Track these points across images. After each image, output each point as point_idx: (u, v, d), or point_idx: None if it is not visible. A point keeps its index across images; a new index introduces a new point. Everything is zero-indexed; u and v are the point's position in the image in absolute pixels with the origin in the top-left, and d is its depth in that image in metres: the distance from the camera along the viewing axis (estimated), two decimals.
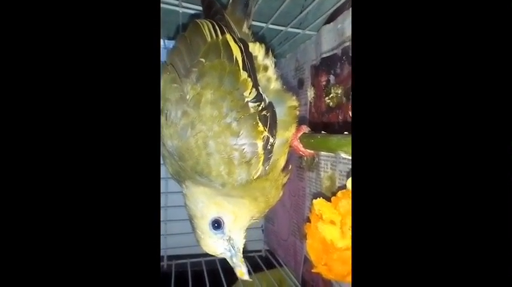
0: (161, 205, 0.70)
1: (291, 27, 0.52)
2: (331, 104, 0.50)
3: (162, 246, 0.70)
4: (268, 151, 0.34)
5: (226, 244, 0.34)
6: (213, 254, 0.34)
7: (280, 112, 0.35)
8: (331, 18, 0.48)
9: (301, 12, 0.48)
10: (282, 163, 0.37)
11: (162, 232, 0.71)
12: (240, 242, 0.34)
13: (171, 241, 0.71)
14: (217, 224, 0.33)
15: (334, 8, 0.46)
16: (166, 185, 0.70)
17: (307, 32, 0.53)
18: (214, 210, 0.33)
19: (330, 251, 0.35)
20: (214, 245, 0.34)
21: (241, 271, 0.34)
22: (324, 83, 0.51)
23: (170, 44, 0.63)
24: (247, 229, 0.36)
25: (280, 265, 0.70)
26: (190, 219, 0.35)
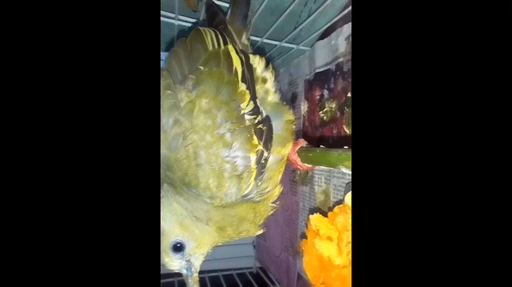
0: None
1: (285, 42, 0.52)
2: (325, 118, 0.50)
3: None
4: (261, 166, 0.33)
5: (184, 264, 0.34)
6: (169, 269, 0.35)
7: (277, 126, 0.35)
8: (324, 35, 0.49)
9: (294, 29, 0.49)
10: (276, 180, 0.36)
11: None
12: (197, 265, 0.35)
13: None
14: (178, 247, 0.33)
15: (328, 25, 0.46)
16: None
17: (301, 47, 0.53)
18: (179, 232, 0.32)
19: (328, 269, 0.34)
20: (171, 264, 0.34)
21: None
22: (317, 97, 0.52)
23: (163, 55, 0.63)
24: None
25: (273, 283, 0.68)
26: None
